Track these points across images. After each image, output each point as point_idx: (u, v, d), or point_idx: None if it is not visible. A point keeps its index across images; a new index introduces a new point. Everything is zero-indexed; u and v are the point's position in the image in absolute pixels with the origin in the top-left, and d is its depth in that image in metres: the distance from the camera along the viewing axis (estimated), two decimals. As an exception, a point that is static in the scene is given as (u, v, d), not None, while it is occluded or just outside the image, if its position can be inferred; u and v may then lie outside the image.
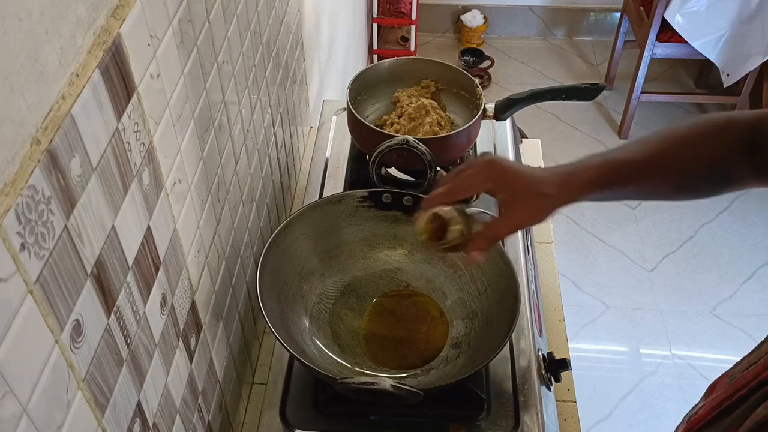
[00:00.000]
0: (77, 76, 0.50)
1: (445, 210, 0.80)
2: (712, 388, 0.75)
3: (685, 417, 0.78)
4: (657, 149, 0.78)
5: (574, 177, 0.77)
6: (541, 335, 1.04)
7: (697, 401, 0.76)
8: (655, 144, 0.79)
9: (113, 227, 0.57)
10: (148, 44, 0.62)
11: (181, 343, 0.75)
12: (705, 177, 0.78)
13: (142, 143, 0.62)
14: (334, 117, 1.31)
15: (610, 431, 2.07)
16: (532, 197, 0.76)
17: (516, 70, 3.29)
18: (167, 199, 0.69)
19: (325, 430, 0.88)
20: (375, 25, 2.97)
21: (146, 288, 0.65)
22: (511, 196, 0.76)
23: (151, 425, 0.67)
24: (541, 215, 0.77)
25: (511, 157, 1.23)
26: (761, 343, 0.69)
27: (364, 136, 1.14)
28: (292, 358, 0.94)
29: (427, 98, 1.22)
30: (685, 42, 2.59)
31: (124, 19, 0.57)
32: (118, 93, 0.56)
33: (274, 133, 1.16)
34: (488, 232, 0.78)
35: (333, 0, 1.85)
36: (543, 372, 0.96)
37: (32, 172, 0.44)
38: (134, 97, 0.60)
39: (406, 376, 0.91)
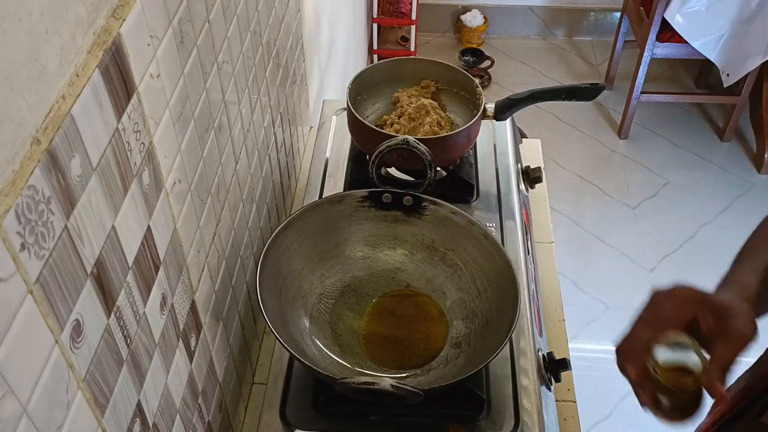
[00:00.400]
0: (77, 76, 0.50)
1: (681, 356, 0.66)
2: (716, 403, 0.75)
3: None
4: None
5: (757, 300, 0.71)
6: (541, 335, 1.04)
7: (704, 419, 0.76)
8: None
9: (113, 227, 0.57)
10: (148, 44, 0.62)
11: (181, 343, 0.75)
12: None
13: (142, 143, 0.62)
14: (334, 117, 1.31)
15: (610, 431, 2.07)
16: (739, 306, 0.68)
17: (516, 70, 3.29)
18: (167, 199, 0.69)
19: (325, 430, 0.88)
20: (375, 25, 2.97)
21: (146, 288, 0.65)
22: (722, 316, 0.67)
23: (151, 425, 0.67)
24: (753, 318, 0.68)
25: (511, 157, 1.23)
26: (759, 360, 0.68)
27: (364, 136, 1.14)
28: (292, 358, 0.94)
29: (427, 98, 1.22)
30: (685, 42, 2.59)
31: (124, 19, 0.57)
32: (118, 93, 0.56)
33: (274, 133, 1.16)
34: (720, 363, 0.66)
35: (333, 0, 1.85)
36: (543, 372, 0.96)
37: (32, 172, 0.44)
38: (134, 97, 0.60)
39: (406, 376, 0.91)
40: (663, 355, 0.66)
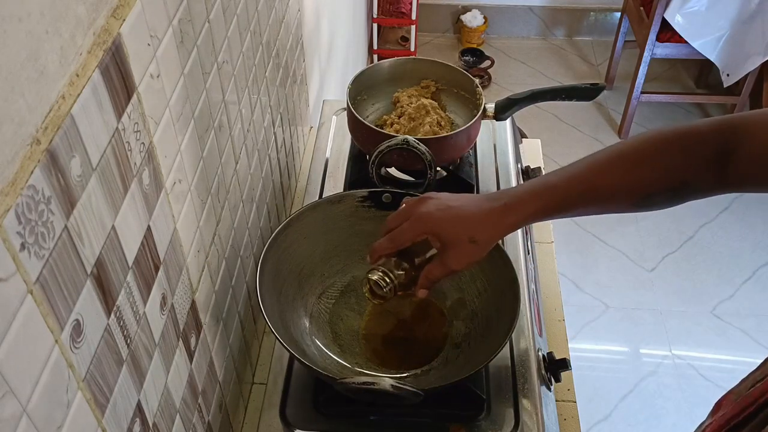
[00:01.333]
0: (77, 76, 0.50)
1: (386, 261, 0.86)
2: (718, 405, 0.74)
3: None
4: (606, 173, 0.78)
5: (512, 213, 0.79)
6: (541, 335, 1.04)
7: (704, 419, 0.76)
8: (605, 167, 0.78)
9: (113, 227, 0.57)
10: (148, 44, 0.62)
11: (181, 343, 0.75)
12: (665, 193, 0.77)
13: (142, 143, 0.62)
14: (334, 117, 1.31)
15: (610, 431, 2.07)
16: (464, 245, 0.80)
17: (516, 70, 3.29)
18: (167, 199, 0.69)
19: (325, 430, 0.88)
20: (375, 25, 2.97)
21: (146, 288, 0.65)
22: (444, 246, 0.81)
23: (151, 425, 0.67)
24: (472, 260, 0.82)
25: (511, 157, 1.23)
26: (767, 359, 0.68)
27: (364, 136, 1.14)
28: (292, 358, 0.94)
29: (427, 98, 1.22)
30: (685, 42, 2.59)
31: (124, 19, 0.57)
32: (118, 93, 0.56)
33: (274, 133, 1.16)
34: (427, 275, 0.84)
35: (333, 0, 1.85)
36: (543, 372, 0.96)
37: (32, 172, 0.44)
38: (134, 97, 0.60)
39: (406, 376, 0.91)
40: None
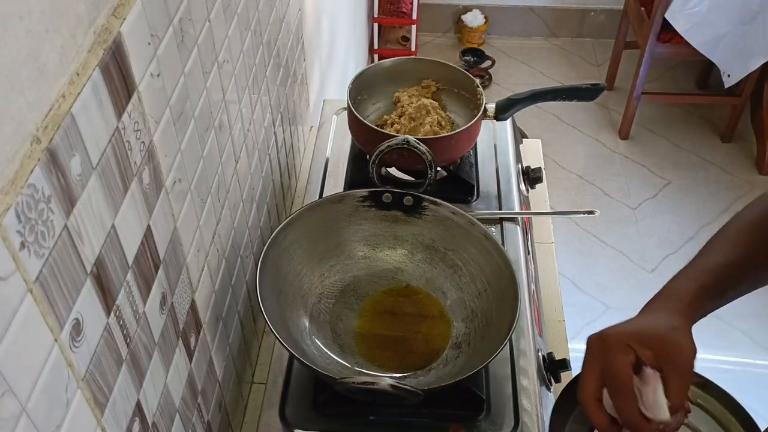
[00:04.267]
0: (77, 74, 0.50)
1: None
2: None
3: None
4: (758, 242, 0.75)
5: (691, 311, 0.73)
6: (541, 335, 1.04)
7: None
8: (753, 236, 0.76)
9: (113, 226, 0.57)
10: (149, 43, 0.62)
11: (180, 342, 0.75)
12: None
13: (143, 142, 0.62)
14: (335, 117, 1.31)
15: None
16: (673, 334, 0.70)
17: (517, 71, 3.29)
18: (167, 198, 0.69)
19: (325, 430, 0.88)
20: (375, 25, 2.97)
21: (146, 287, 0.65)
22: (659, 349, 0.69)
23: (150, 424, 0.67)
24: (692, 355, 0.70)
25: (511, 157, 1.23)
26: None
27: (364, 136, 1.14)
28: (291, 357, 0.94)
29: (427, 98, 1.22)
30: (686, 42, 2.59)
31: (124, 18, 0.57)
32: (118, 92, 0.56)
33: (275, 133, 1.16)
34: (677, 399, 0.68)
35: (334, 0, 1.85)
36: (543, 372, 0.96)
37: (32, 171, 0.44)
38: (134, 96, 0.59)
39: (405, 376, 0.91)
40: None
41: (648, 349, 0.68)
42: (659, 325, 0.71)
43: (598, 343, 0.70)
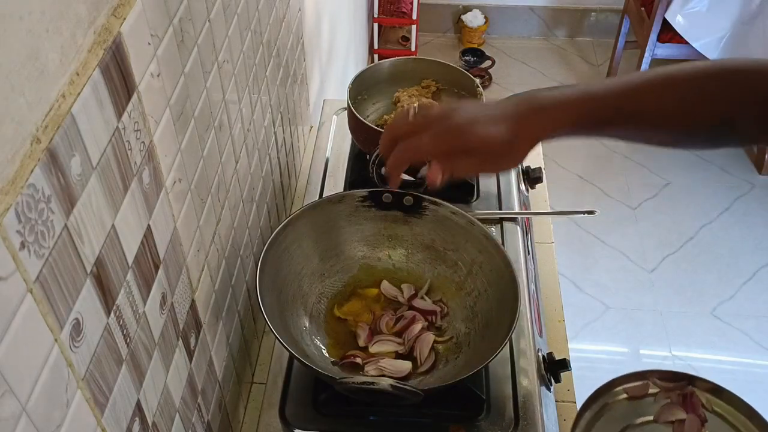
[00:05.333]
0: (77, 74, 0.50)
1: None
2: None
3: None
4: (651, 93, 0.71)
5: (549, 117, 0.73)
6: (541, 335, 1.04)
7: None
8: (651, 86, 0.71)
9: (113, 226, 0.57)
10: (149, 43, 0.62)
11: (180, 342, 0.75)
12: (708, 129, 0.71)
13: (143, 142, 0.62)
14: (335, 117, 1.31)
15: None
16: (504, 145, 0.72)
17: (517, 71, 3.29)
18: (167, 198, 0.69)
19: (325, 430, 0.88)
20: (376, 25, 2.97)
21: (146, 287, 0.65)
22: (479, 152, 0.73)
23: (150, 424, 0.67)
24: (509, 165, 0.76)
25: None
26: None
27: (364, 136, 1.14)
28: (291, 357, 0.94)
29: (427, 98, 1.22)
30: (686, 43, 2.59)
31: (124, 18, 0.57)
32: (118, 92, 0.56)
33: (275, 133, 1.16)
34: (453, 168, 0.75)
35: (334, 0, 1.85)
36: (543, 372, 0.96)
37: (32, 171, 0.44)
38: (134, 96, 0.59)
39: (405, 376, 0.91)
40: None
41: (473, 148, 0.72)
42: (487, 112, 0.74)
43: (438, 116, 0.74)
